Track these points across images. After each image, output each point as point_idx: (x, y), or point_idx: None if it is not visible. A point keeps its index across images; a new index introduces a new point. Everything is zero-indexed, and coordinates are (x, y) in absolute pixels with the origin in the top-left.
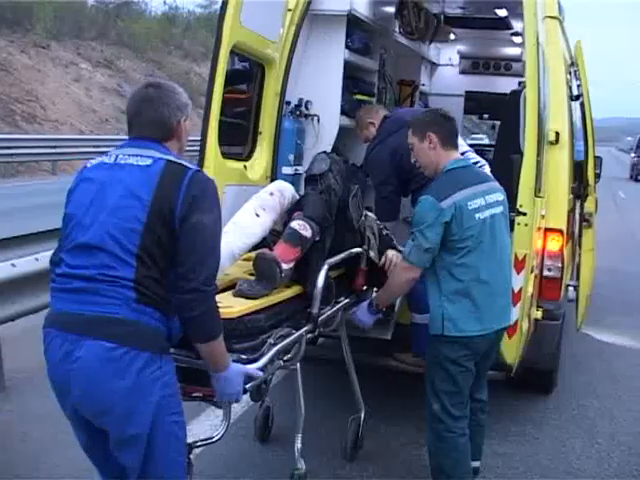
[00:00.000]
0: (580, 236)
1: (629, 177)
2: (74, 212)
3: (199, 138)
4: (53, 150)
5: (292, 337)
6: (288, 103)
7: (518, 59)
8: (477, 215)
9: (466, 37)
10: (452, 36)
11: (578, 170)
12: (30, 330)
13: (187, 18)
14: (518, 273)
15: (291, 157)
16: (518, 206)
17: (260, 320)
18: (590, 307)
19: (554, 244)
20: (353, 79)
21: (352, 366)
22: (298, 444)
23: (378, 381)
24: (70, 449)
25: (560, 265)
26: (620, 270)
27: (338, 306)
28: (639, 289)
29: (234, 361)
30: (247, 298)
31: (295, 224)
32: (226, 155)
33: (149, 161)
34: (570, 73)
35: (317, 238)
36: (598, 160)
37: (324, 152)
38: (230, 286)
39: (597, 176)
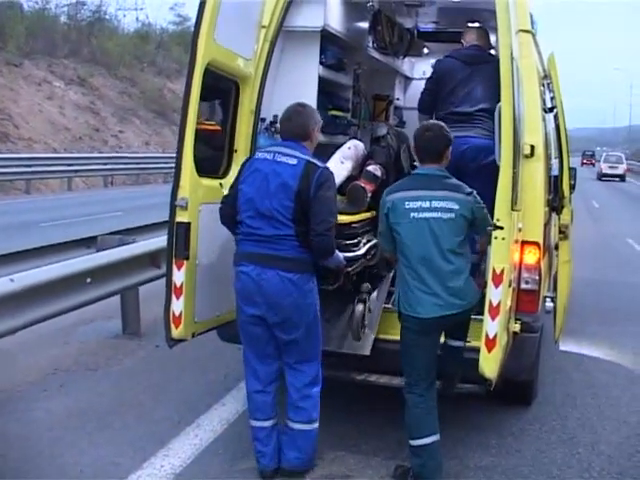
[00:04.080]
0: (557, 248)
1: (580, 165)
2: (249, 191)
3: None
4: (27, 169)
5: (374, 240)
6: (263, 120)
7: None
8: (412, 214)
9: (440, 51)
10: (425, 50)
11: (553, 182)
12: (6, 351)
13: (160, 35)
14: (496, 287)
15: None
16: (495, 220)
17: (357, 227)
18: (568, 317)
19: (531, 257)
20: (327, 95)
21: None
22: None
23: (358, 397)
24: (50, 471)
25: (537, 278)
26: (596, 280)
27: None
28: (616, 299)
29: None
30: (344, 214)
31: (371, 168)
32: (202, 173)
33: (295, 161)
34: (543, 85)
35: (384, 177)
36: (572, 171)
37: (383, 122)
38: None
39: (572, 187)
